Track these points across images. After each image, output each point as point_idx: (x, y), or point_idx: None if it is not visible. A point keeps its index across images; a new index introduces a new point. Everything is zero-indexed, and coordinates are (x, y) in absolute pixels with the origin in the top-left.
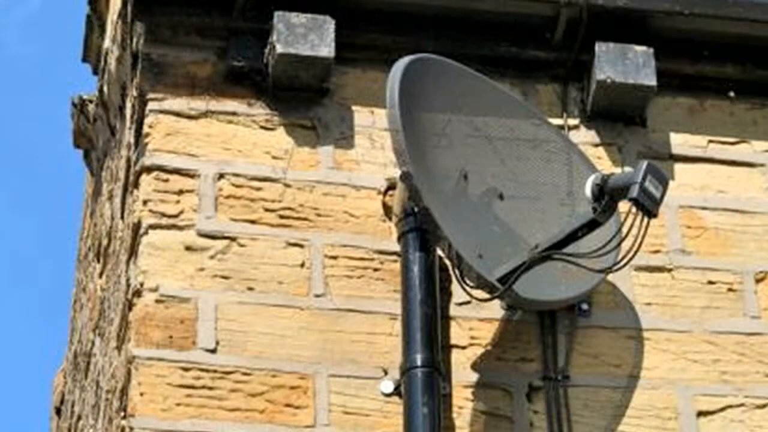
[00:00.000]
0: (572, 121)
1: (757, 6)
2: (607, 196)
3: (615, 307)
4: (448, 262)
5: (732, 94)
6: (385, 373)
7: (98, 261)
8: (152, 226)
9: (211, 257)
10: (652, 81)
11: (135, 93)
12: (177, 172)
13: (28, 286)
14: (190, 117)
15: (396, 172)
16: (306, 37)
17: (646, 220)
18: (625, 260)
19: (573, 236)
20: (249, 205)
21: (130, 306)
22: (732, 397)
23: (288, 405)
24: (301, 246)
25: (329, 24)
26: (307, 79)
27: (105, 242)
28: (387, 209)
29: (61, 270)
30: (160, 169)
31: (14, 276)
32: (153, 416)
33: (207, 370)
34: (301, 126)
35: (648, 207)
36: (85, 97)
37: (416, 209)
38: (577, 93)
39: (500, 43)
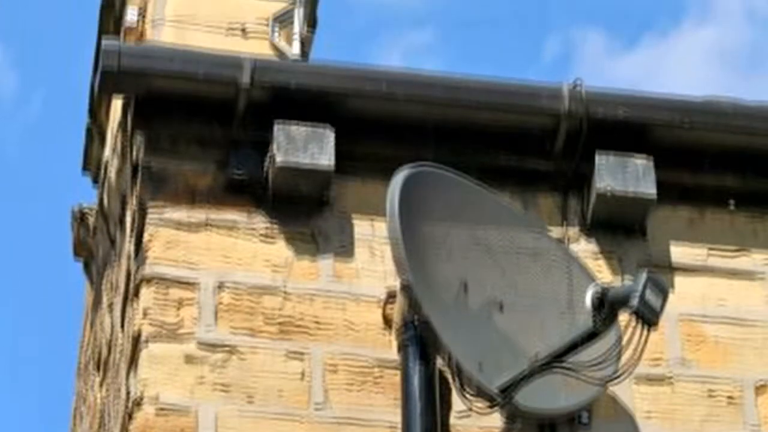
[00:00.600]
0: (572, 232)
1: (756, 117)
2: (607, 306)
3: (615, 418)
4: (448, 372)
5: (732, 204)
6: None
7: (98, 371)
8: (152, 337)
9: (212, 368)
10: (652, 191)
11: (135, 203)
12: (177, 282)
13: (28, 397)
14: (190, 227)
15: (396, 283)
16: (306, 148)
17: (646, 330)
18: (625, 371)
19: (573, 347)
20: (249, 316)
21: (130, 416)
22: None
23: None
24: (302, 356)
25: (329, 134)
26: (307, 190)
27: (105, 353)
28: (387, 320)
29: (61, 380)
30: (160, 279)
31: (14, 386)
32: None
33: None
34: (301, 236)
35: (648, 317)
36: (85, 207)
37: (416, 319)
38: (577, 203)
39: (500, 154)
